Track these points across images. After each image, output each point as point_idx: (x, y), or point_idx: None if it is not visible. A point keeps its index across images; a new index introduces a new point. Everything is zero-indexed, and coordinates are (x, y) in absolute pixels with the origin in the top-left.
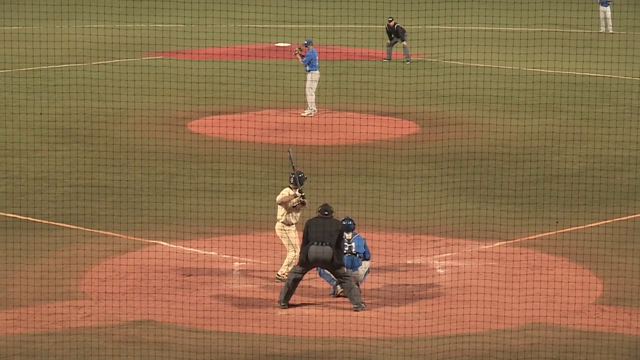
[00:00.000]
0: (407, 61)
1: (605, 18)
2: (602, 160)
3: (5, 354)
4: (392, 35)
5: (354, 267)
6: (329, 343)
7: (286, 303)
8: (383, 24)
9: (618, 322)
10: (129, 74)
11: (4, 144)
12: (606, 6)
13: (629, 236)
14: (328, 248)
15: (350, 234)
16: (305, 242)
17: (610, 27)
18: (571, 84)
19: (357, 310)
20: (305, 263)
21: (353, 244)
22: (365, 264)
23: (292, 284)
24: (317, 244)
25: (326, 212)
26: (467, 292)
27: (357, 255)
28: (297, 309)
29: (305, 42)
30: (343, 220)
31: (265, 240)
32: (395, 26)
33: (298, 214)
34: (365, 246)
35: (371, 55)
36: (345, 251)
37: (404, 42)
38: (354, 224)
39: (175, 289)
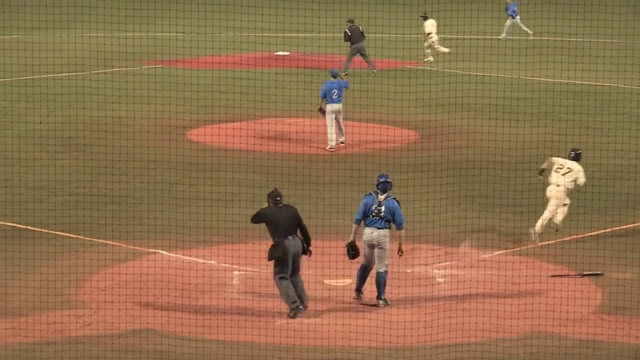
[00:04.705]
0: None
1: None
2: (602, 169)
3: None
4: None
5: (382, 227)
6: (329, 352)
7: (299, 303)
8: (382, 33)
9: (618, 331)
10: (129, 83)
11: (3, 153)
12: None
13: (629, 245)
14: (298, 240)
15: (384, 195)
16: (273, 235)
17: None
18: (570, 92)
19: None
20: (284, 259)
21: (383, 207)
22: (386, 250)
23: (290, 287)
24: (291, 238)
25: (278, 198)
26: (466, 300)
27: (385, 219)
28: (297, 318)
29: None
30: (379, 176)
31: (265, 249)
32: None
33: None
34: (396, 213)
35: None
36: (374, 214)
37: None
38: (391, 184)
39: (174, 297)
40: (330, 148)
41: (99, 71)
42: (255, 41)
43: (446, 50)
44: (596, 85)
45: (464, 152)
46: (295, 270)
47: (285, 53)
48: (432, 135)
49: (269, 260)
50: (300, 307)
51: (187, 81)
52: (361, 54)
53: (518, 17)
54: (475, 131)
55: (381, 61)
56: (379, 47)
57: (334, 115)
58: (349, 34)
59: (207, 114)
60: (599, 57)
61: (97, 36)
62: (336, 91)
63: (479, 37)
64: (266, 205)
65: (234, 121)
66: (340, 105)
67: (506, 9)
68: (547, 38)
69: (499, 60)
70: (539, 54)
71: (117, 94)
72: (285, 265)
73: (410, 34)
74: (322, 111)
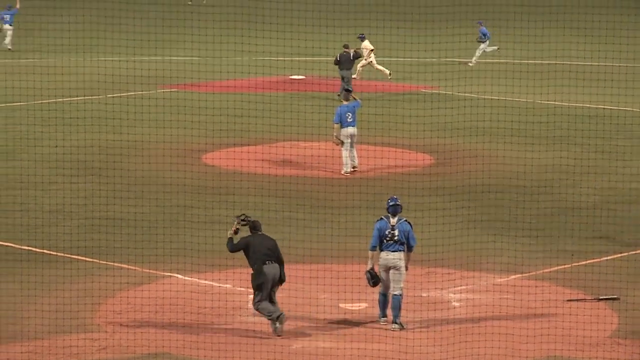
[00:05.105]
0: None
1: None
2: (618, 193)
3: None
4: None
5: (397, 250)
6: None
7: (279, 312)
8: (397, 57)
9: (634, 356)
10: (145, 107)
11: (19, 177)
12: None
13: None
14: (276, 265)
15: (396, 218)
16: (253, 262)
17: None
18: (585, 116)
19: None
20: (264, 285)
21: (396, 231)
22: (402, 274)
23: (268, 304)
24: (269, 263)
25: (257, 228)
26: (482, 325)
27: (400, 242)
28: (312, 342)
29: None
30: (389, 200)
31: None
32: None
33: None
34: (410, 236)
35: (385, 88)
36: (388, 238)
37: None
38: (401, 207)
39: (190, 321)
40: (346, 172)
41: (114, 95)
42: (271, 65)
43: (357, 77)
44: (611, 109)
45: (479, 176)
46: (272, 300)
47: (301, 77)
48: (448, 159)
49: (255, 290)
50: (282, 313)
51: (202, 105)
52: (344, 79)
53: (487, 41)
54: (491, 155)
55: (396, 85)
56: (394, 70)
57: (349, 140)
58: (338, 59)
59: (222, 138)
60: (614, 81)
61: (113, 60)
62: (350, 114)
63: (493, 60)
64: (233, 229)
65: (249, 145)
66: (355, 128)
67: (483, 35)
68: (561, 62)
69: (514, 84)
70: (554, 77)
71: (133, 117)
72: (266, 291)
73: (425, 58)
74: (339, 140)
